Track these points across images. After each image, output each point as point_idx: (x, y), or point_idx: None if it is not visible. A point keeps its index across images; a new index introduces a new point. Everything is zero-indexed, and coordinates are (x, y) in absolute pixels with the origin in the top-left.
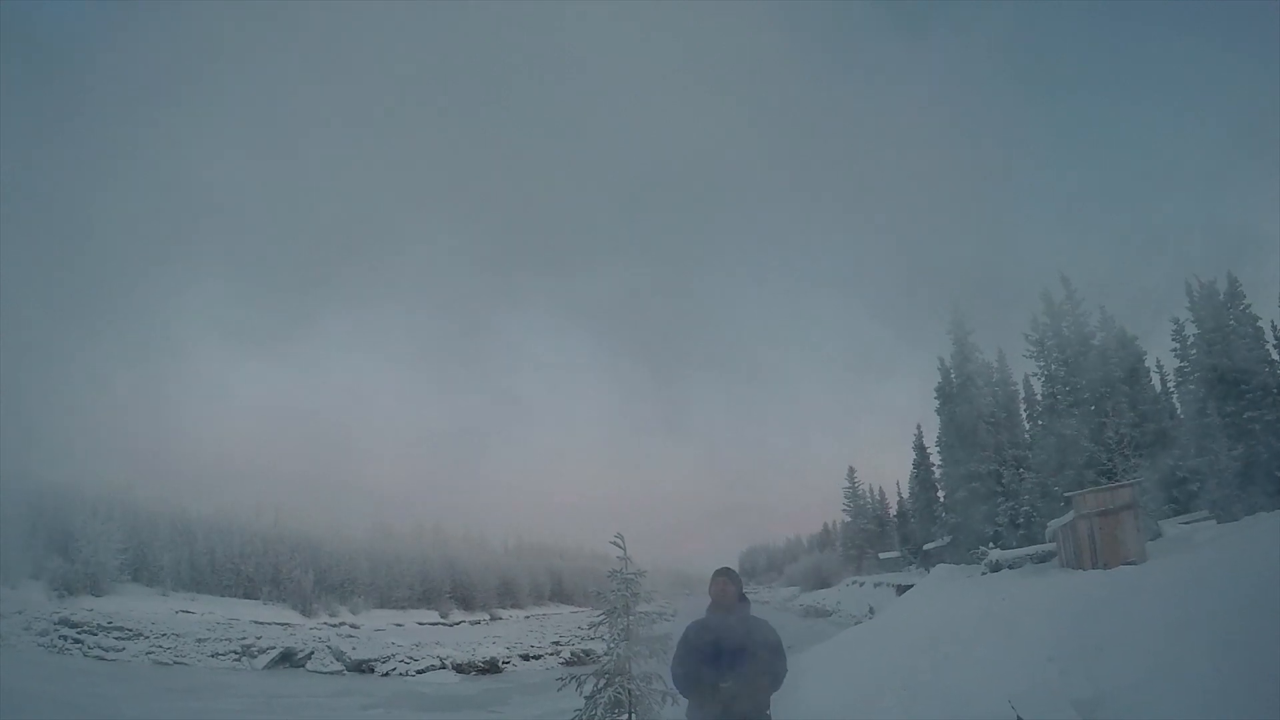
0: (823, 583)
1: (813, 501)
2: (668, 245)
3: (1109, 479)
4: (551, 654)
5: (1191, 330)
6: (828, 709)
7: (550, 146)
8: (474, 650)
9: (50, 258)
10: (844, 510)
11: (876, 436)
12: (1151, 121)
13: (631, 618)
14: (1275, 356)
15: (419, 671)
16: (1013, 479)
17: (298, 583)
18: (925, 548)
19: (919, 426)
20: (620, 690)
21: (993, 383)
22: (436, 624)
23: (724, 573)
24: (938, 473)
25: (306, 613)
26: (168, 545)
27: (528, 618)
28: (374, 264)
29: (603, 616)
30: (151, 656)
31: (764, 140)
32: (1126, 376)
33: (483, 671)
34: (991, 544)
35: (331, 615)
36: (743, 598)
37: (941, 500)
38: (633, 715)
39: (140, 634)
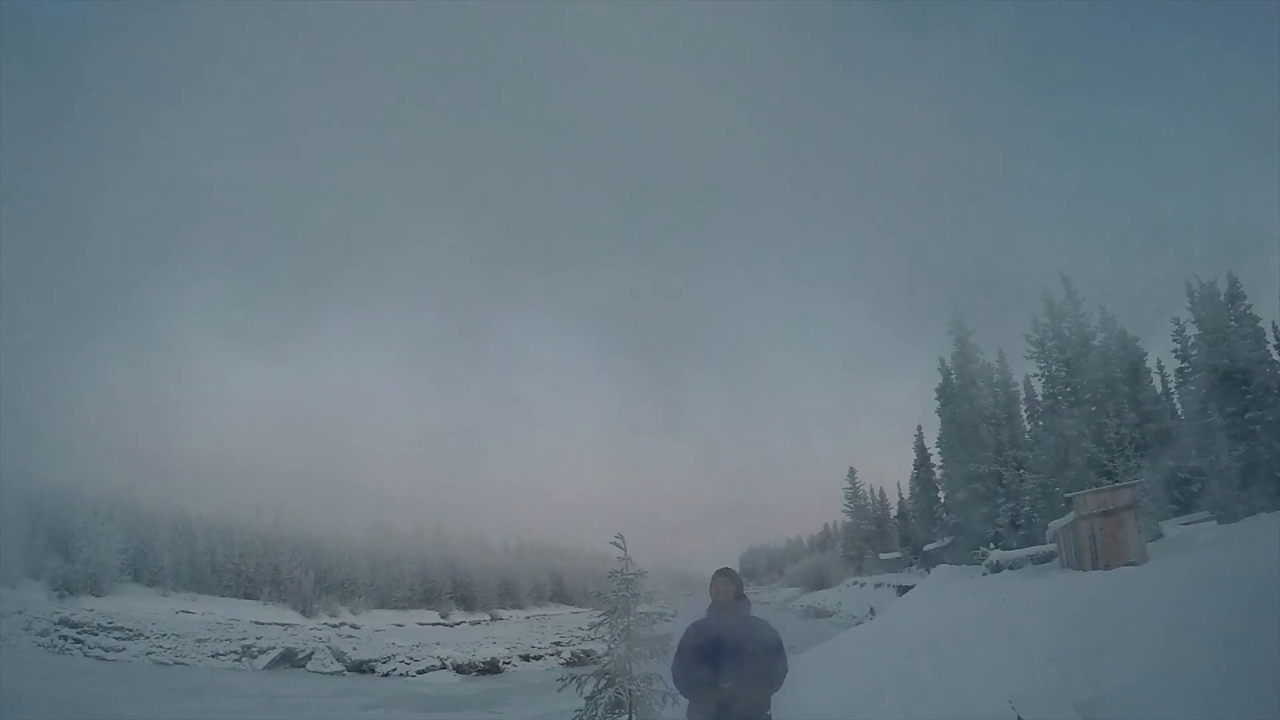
0: (823, 583)
1: (813, 501)
2: (668, 245)
3: (1110, 480)
4: (552, 654)
5: (1192, 330)
6: (828, 709)
7: (550, 146)
8: (474, 651)
9: (50, 258)
10: (844, 511)
11: (876, 436)
12: (1151, 121)
13: (632, 618)
14: (1276, 356)
15: (419, 672)
16: (1013, 480)
17: (298, 583)
18: (926, 548)
19: (919, 427)
20: (621, 691)
21: (993, 383)
22: (437, 624)
23: (724, 573)
24: (938, 473)
25: (307, 613)
26: (168, 545)
27: (528, 618)
28: (374, 264)
29: (603, 617)
30: (152, 657)
31: (764, 140)
32: (1127, 377)
33: (483, 672)
34: (992, 545)
35: (332, 615)
36: (743, 598)
37: (942, 501)
38: (633, 715)
39: (140, 634)
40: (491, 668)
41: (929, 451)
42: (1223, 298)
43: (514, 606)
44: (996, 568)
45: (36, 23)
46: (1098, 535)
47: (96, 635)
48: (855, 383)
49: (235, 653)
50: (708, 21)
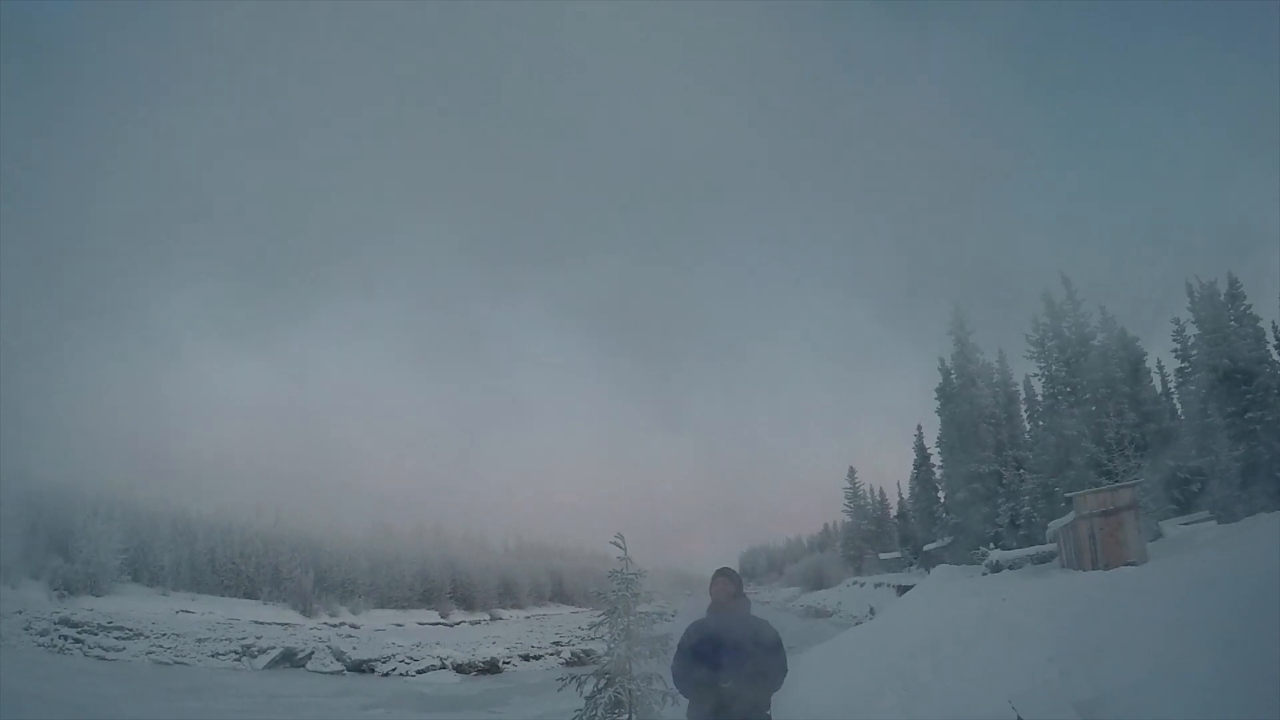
0: (823, 583)
1: (813, 501)
2: (668, 244)
3: (1110, 479)
4: (552, 654)
5: (1192, 330)
6: (828, 709)
7: (547, 144)
8: (474, 650)
9: (48, 256)
10: (844, 510)
11: (876, 436)
12: (1151, 121)
13: (631, 618)
14: (1276, 356)
15: (419, 672)
16: (1013, 479)
17: (298, 583)
18: (926, 548)
19: (919, 427)
20: (620, 690)
21: (993, 383)
22: (437, 624)
23: (724, 573)
24: (938, 473)
25: (307, 613)
26: (168, 545)
27: (528, 618)
28: (372, 261)
29: (603, 616)
30: (152, 656)
31: (763, 138)
32: (1127, 376)
33: (483, 672)
34: (992, 544)
35: (332, 615)
36: (742, 597)
37: (942, 501)
38: (633, 715)
39: (140, 634)
40: (491, 667)
41: (929, 451)
42: (1223, 297)
43: (514, 606)
44: (996, 568)
45: (35, 21)
46: (1098, 535)
47: (96, 635)
48: (855, 382)
49: (235, 652)
50: (707, 19)
